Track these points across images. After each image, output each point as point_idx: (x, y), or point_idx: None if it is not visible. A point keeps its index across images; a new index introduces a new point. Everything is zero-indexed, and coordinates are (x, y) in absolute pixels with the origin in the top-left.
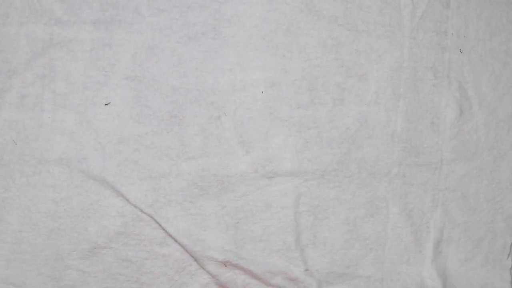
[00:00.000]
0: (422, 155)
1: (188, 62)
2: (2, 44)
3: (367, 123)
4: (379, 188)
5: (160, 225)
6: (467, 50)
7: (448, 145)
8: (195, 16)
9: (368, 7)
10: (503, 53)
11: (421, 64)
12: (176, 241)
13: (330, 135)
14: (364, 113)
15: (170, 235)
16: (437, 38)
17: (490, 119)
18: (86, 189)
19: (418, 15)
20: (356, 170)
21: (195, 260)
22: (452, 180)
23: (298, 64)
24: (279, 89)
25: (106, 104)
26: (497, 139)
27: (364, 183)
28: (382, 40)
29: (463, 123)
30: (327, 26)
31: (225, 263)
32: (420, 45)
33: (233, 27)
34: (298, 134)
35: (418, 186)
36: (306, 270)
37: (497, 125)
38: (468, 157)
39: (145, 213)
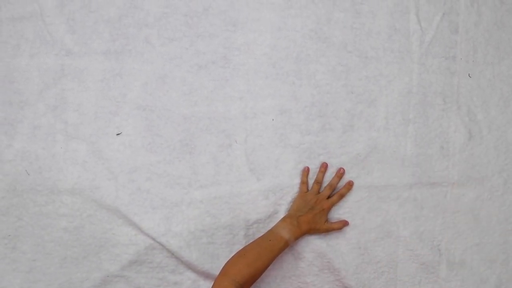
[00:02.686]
0: (432, 179)
1: (198, 91)
2: (13, 75)
3: (377, 149)
4: (389, 212)
5: (172, 254)
6: (476, 74)
7: (458, 168)
8: (205, 45)
9: (377, 34)
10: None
11: (430, 89)
12: (188, 269)
13: (340, 161)
14: (374, 138)
15: (182, 263)
16: (446, 63)
17: (500, 142)
18: (99, 218)
19: (427, 41)
20: (365, 194)
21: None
22: (463, 203)
23: (308, 91)
24: (290, 116)
25: (118, 134)
26: (507, 162)
27: (374, 208)
28: (391, 66)
29: (473, 146)
30: (337, 53)
31: None
32: (429, 71)
33: (243, 56)
34: (309, 161)
35: (429, 209)
36: None
37: (507, 148)
38: (478, 180)
39: (157, 242)
